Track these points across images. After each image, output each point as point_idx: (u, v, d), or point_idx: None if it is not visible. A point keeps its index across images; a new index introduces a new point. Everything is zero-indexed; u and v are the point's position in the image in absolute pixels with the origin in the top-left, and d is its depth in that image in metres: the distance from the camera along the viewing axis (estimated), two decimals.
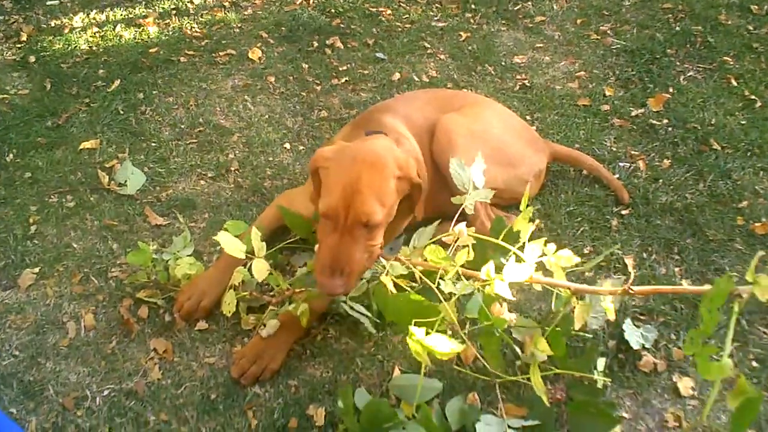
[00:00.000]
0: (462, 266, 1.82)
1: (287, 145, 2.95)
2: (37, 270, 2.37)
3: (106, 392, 2.00)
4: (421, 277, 1.85)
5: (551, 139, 2.86)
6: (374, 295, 1.93)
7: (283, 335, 2.04)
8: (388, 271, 1.86)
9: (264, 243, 2.02)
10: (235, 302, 2.05)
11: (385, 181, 1.90)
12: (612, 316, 1.75)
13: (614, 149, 2.84)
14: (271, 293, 2.13)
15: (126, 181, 2.71)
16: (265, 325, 2.04)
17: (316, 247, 1.94)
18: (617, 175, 2.68)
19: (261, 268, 1.97)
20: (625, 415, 1.90)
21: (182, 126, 3.04)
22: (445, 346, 1.63)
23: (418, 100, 2.55)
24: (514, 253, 1.79)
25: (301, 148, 2.94)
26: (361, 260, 1.88)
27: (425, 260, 1.88)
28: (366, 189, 1.86)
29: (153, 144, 2.95)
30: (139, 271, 2.26)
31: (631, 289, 1.67)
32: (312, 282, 2.13)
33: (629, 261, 2.32)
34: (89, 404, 1.97)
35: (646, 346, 2.04)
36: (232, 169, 2.81)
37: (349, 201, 1.85)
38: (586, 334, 2.03)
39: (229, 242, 1.97)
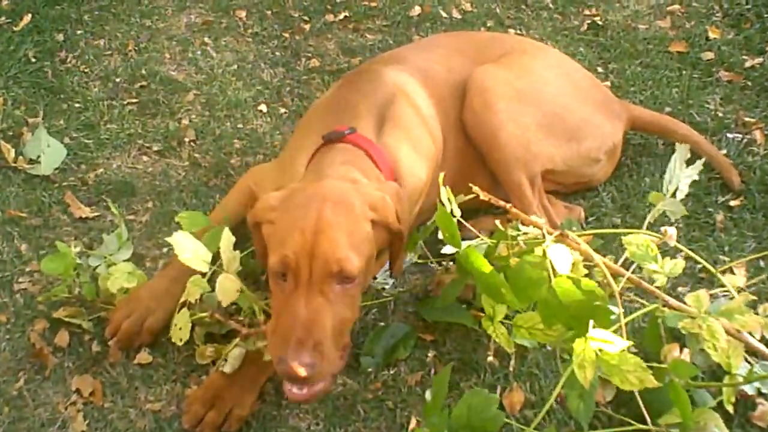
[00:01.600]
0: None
1: (263, 107, 2.94)
2: None
3: None
4: (604, 280, 1.82)
5: (631, 101, 2.84)
6: (506, 274, 1.88)
7: (252, 369, 2.04)
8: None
9: (237, 252, 2.01)
10: (190, 327, 2.05)
11: (357, 223, 1.91)
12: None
13: (720, 114, 2.82)
14: (241, 318, 2.12)
15: (39, 157, 2.71)
16: (227, 360, 2.04)
17: (265, 322, 1.98)
18: (724, 151, 2.66)
19: (229, 288, 1.97)
20: None
21: (117, 80, 3.04)
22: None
23: (441, 47, 2.53)
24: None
25: (283, 111, 2.94)
26: (338, 328, 1.87)
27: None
28: (333, 229, 1.86)
29: (77, 105, 2.95)
30: (58, 283, 2.26)
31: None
32: None
33: (739, 271, 2.30)
34: None
35: (763, 391, 2.02)
36: (187, 140, 2.81)
37: (311, 245, 1.84)
38: None
39: (186, 247, 1.97)
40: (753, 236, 2.42)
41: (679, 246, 1.94)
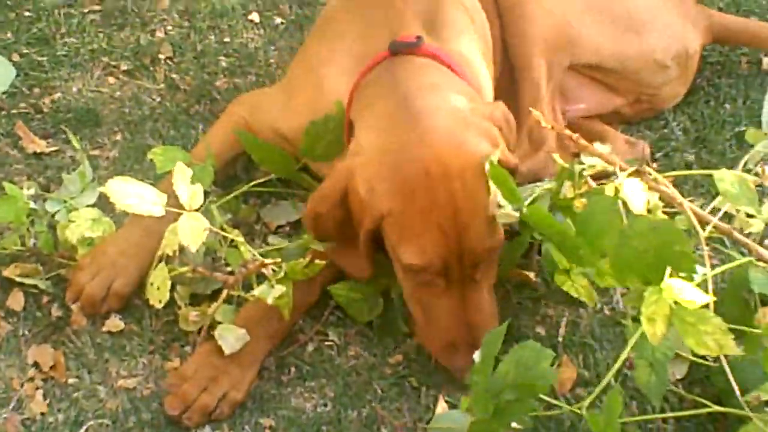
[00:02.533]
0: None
1: (254, 17, 2.94)
2: None
3: None
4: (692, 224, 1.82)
5: (712, 6, 2.80)
6: (573, 221, 1.89)
7: (251, 343, 2.04)
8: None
9: (199, 186, 1.99)
10: (169, 286, 2.05)
11: (487, 185, 1.90)
12: None
13: None
14: (229, 270, 2.12)
15: None
16: (212, 328, 2.04)
17: (413, 308, 2.01)
18: None
19: (195, 229, 1.96)
20: None
21: None
22: None
23: None
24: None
25: (279, 21, 2.93)
26: (494, 310, 1.98)
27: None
28: (474, 216, 1.88)
29: (27, 14, 2.94)
30: (8, 234, 2.26)
31: None
32: (296, 254, 2.13)
33: None
34: None
35: None
36: (162, 57, 2.81)
37: (456, 245, 1.87)
38: None
39: (126, 192, 1.96)
40: None
41: None
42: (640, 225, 1.71)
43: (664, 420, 1.95)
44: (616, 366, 1.77)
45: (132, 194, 1.96)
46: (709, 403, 1.86)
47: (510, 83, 2.35)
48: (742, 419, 1.79)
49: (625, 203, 1.80)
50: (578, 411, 1.88)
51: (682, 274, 1.67)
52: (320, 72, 2.20)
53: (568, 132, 1.98)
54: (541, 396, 1.95)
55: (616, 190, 1.81)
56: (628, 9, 2.41)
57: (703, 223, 1.83)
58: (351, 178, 1.94)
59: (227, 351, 2.00)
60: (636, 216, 1.77)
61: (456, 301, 1.93)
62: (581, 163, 1.94)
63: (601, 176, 1.95)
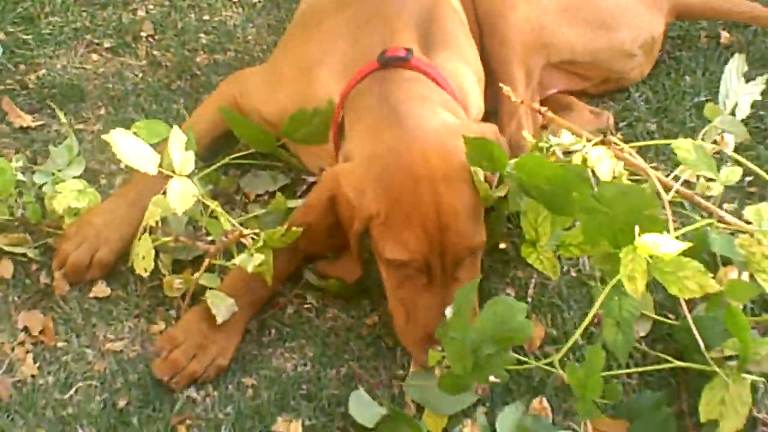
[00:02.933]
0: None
1: None
2: None
3: None
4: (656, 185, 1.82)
5: None
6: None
7: (236, 311, 2.05)
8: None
9: (192, 153, 2.01)
10: (153, 254, 2.05)
11: (473, 191, 1.92)
12: None
13: None
14: (210, 239, 2.13)
15: None
16: (195, 294, 2.05)
17: (394, 304, 1.98)
18: None
19: (184, 194, 1.97)
20: None
21: None
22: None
23: None
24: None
25: None
26: (476, 309, 1.91)
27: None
28: (457, 216, 1.88)
29: None
30: None
31: None
32: (274, 221, 2.15)
33: None
34: None
35: None
36: (144, 34, 2.81)
37: (439, 243, 1.87)
38: None
39: (128, 146, 1.97)
40: None
41: (736, 156, 1.94)
42: (609, 191, 1.73)
43: (629, 375, 1.97)
44: (585, 323, 1.78)
45: (131, 149, 1.97)
46: (671, 359, 1.88)
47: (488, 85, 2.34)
48: (704, 374, 1.81)
49: (593, 171, 1.81)
50: (547, 367, 1.92)
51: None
52: (311, 72, 2.18)
53: (536, 106, 1.99)
54: (515, 355, 1.99)
55: (584, 160, 1.82)
56: (600, 7, 2.42)
57: (666, 189, 1.83)
58: (338, 185, 1.95)
59: (219, 320, 2.01)
60: (604, 183, 1.78)
61: (437, 298, 1.91)
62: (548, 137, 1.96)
63: (569, 151, 1.95)
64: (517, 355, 1.93)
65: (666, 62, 2.63)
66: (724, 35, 2.70)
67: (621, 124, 2.51)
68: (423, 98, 2.01)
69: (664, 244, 1.63)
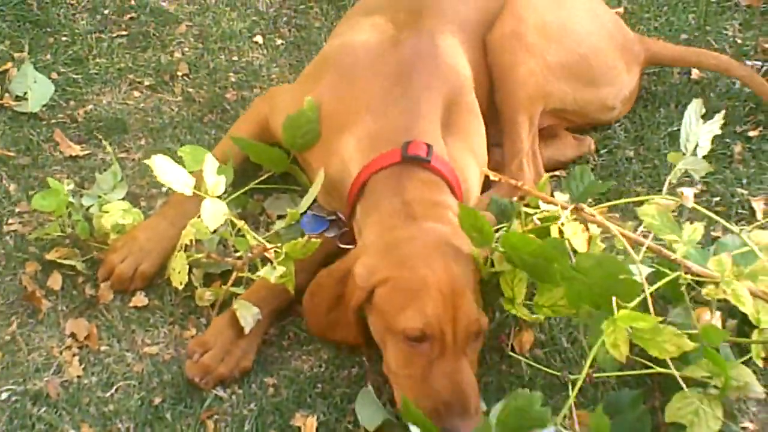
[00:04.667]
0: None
1: (258, 39, 2.92)
2: None
3: (4, 395, 2.01)
4: (625, 248, 1.81)
5: (646, 28, 2.81)
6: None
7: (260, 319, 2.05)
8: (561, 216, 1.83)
9: (222, 177, 2.01)
10: (187, 269, 2.05)
11: (474, 274, 1.89)
12: None
13: (739, 41, 2.80)
14: (237, 255, 2.12)
15: (26, 94, 2.70)
16: (223, 304, 2.05)
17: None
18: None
19: (216, 213, 1.96)
20: (748, 425, 1.90)
21: (106, 12, 3.01)
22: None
23: None
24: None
25: (279, 42, 2.91)
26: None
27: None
28: (465, 286, 1.84)
29: (64, 38, 2.92)
30: (50, 223, 2.26)
31: None
32: (293, 236, 2.13)
33: (758, 205, 2.30)
34: None
35: None
36: (179, 74, 2.80)
37: (452, 307, 1.81)
38: None
39: (167, 169, 1.96)
40: None
41: (698, 207, 1.93)
42: (586, 261, 1.75)
43: (609, 376, 1.94)
44: (586, 367, 1.75)
45: (170, 172, 1.97)
46: (650, 364, 1.83)
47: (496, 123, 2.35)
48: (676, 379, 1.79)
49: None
50: (536, 365, 1.92)
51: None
52: (341, 134, 2.13)
53: (527, 187, 1.96)
54: (510, 354, 2.00)
55: (561, 232, 1.81)
56: (591, 66, 2.40)
57: (637, 245, 1.83)
58: (353, 263, 1.92)
59: (246, 330, 2.00)
60: (581, 254, 1.78)
61: (451, 365, 1.81)
62: (535, 206, 1.92)
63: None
64: (512, 354, 1.94)
65: (643, 96, 2.62)
66: (695, 72, 2.69)
67: (602, 151, 2.50)
68: (435, 203, 1.99)
69: (640, 319, 1.65)
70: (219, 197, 2.03)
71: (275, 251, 2.01)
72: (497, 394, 1.94)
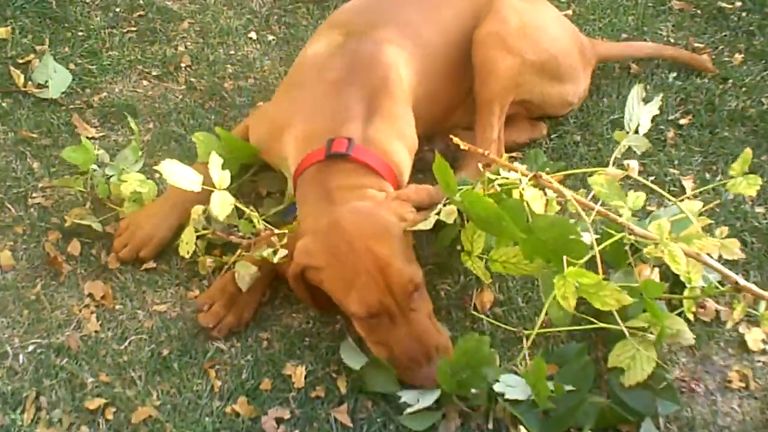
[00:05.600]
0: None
1: (252, 35, 2.89)
2: None
3: (30, 348, 2.00)
4: (577, 211, 1.82)
5: (592, 28, 2.82)
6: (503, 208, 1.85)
7: (258, 278, 2.04)
8: (522, 182, 1.84)
9: (227, 171, 1.99)
10: (194, 241, 2.04)
11: (400, 241, 1.89)
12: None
13: (672, 40, 2.80)
14: (240, 234, 2.10)
15: (47, 82, 2.67)
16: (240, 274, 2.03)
17: (373, 347, 1.91)
18: (674, 74, 2.65)
19: (224, 203, 1.95)
20: (679, 374, 1.92)
21: (117, 9, 2.98)
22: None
23: None
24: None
25: (271, 38, 2.89)
26: (439, 328, 1.92)
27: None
28: (391, 259, 1.84)
29: (80, 33, 2.89)
30: (74, 177, 2.26)
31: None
32: (288, 213, 2.16)
33: (688, 183, 2.31)
34: (10, 363, 1.98)
35: None
36: (183, 65, 2.77)
37: (384, 284, 1.83)
38: None
39: (174, 172, 1.94)
40: (700, 151, 2.43)
41: (639, 179, 1.95)
42: (542, 222, 1.77)
43: (559, 331, 1.96)
44: (540, 319, 1.80)
45: (178, 173, 1.95)
46: (593, 320, 1.86)
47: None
48: (617, 333, 1.81)
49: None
50: (496, 322, 1.93)
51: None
52: (282, 133, 2.14)
53: (493, 156, 1.98)
54: (472, 312, 2.01)
55: (521, 195, 1.83)
56: (559, 64, 2.39)
57: (588, 210, 1.84)
58: (296, 243, 1.92)
59: (244, 287, 2.00)
60: (537, 215, 1.79)
61: (404, 328, 1.85)
62: (498, 173, 1.94)
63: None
64: (474, 313, 1.95)
65: (589, 88, 2.62)
66: (633, 67, 2.69)
67: (553, 136, 2.49)
68: (355, 186, 1.98)
69: (586, 276, 1.69)
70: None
71: (285, 231, 2.01)
72: None
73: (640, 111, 1.99)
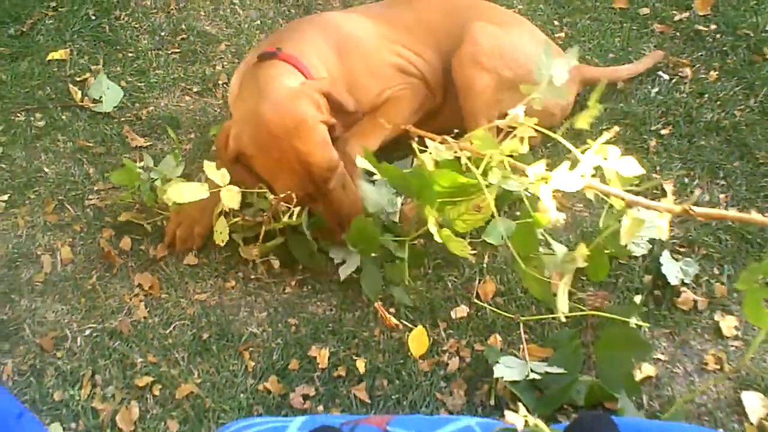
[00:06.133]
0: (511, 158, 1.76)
1: None
2: (5, 198, 2.36)
3: (87, 332, 2.01)
4: (467, 164, 1.78)
5: (582, 49, 2.80)
6: (412, 174, 1.88)
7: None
8: (430, 151, 1.81)
9: (224, 169, 1.97)
10: (227, 230, 2.04)
11: (319, 133, 1.97)
12: (665, 236, 1.66)
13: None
14: (264, 213, 2.09)
15: (101, 97, 2.68)
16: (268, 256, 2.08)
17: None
18: (656, 89, 2.62)
19: (232, 196, 1.95)
20: (660, 357, 1.91)
21: (162, 33, 2.98)
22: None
23: (418, 5, 2.47)
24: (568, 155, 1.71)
25: None
26: (355, 197, 2.05)
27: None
28: (311, 151, 1.94)
29: (130, 54, 2.89)
30: (124, 192, 2.26)
31: (692, 210, 1.60)
32: None
33: (668, 187, 2.29)
34: (69, 345, 1.99)
35: (686, 281, 2.03)
36: (220, 82, 2.77)
37: (305, 170, 1.95)
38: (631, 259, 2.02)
39: (183, 191, 1.96)
40: (679, 158, 2.40)
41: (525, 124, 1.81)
42: (443, 176, 1.79)
43: (554, 318, 1.95)
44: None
45: (185, 191, 1.95)
46: (582, 308, 1.88)
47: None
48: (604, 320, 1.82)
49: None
50: (498, 311, 1.91)
51: None
52: (234, 75, 2.30)
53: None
54: (475, 301, 1.97)
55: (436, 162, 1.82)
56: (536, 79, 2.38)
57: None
58: (227, 132, 2.03)
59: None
60: (437, 171, 1.79)
61: (323, 204, 2.00)
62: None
63: None
64: (477, 302, 1.94)
65: (579, 102, 2.57)
66: (619, 83, 2.67)
67: (548, 144, 2.46)
68: (276, 75, 2.06)
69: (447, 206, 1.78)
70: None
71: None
72: (467, 331, 1.95)
73: (550, 64, 1.78)
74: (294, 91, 2.01)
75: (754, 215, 1.54)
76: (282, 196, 1.99)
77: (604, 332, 1.87)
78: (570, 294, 1.71)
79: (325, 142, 1.99)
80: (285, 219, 1.99)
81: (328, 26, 2.30)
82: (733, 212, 2.18)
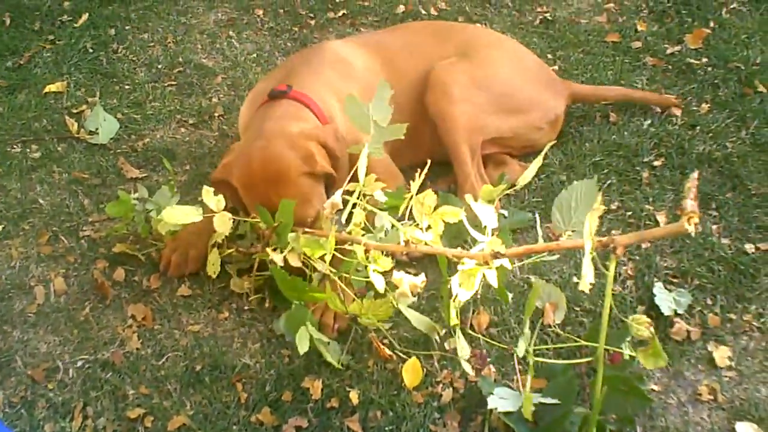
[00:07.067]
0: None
1: None
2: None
3: (79, 363, 2.01)
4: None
5: (576, 81, 2.82)
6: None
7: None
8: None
9: (220, 196, 1.98)
10: (219, 262, 2.05)
11: (299, 184, 2.01)
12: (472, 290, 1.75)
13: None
14: (256, 244, 2.10)
15: (97, 129, 2.70)
16: (251, 291, 2.07)
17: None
18: (649, 121, 2.65)
19: (224, 222, 1.96)
20: (654, 387, 1.90)
21: (159, 66, 3.01)
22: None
23: (403, 29, 2.57)
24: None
25: None
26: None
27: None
28: (288, 185, 1.99)
29: (127, 86, 2.92)
30: (119, 224, 2.27)
31: (500, 254, 1.67)
32: None
33: (661, 218, 2.31)
34: (61, 376, 1.98)
35: (679, 312, 2.04)
36: (216, 114, 2.79)
37: (279, 199, 1.96)
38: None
39: (176, 215, 1.97)
40: (672, 189, 2.42)
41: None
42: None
43: (548, 348, 1.95)
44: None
45: (179, 214, 1.96)
46: (578, 339, 1.87)
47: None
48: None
49: None
50: (492, 342, 1.91)
51: None
52: (242, 110, 2.38)
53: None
54: (470, 332, 1.98)
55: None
56: (517, 97, 2.42)
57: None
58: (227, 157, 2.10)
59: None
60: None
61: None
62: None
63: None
64: (471, 332, 1.94)
65: (572, 134, 2.62)
66: (612, 116, 2.70)
67: (541, 176, 2.48)
68: (281, 117, 2.10)
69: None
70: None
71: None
72: (461, 362, 1.94)
73: (363, 112, 1.95)
74: (288, 139, 2.03)
75: (565, 240, 1.60)
76: (269, 228, 1.99)
77: (606, 377, 1.82)
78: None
79: (304, 196, 2.01)
80: (273, 257, 1.95)
81: (337, 56, 2.35)
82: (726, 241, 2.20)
